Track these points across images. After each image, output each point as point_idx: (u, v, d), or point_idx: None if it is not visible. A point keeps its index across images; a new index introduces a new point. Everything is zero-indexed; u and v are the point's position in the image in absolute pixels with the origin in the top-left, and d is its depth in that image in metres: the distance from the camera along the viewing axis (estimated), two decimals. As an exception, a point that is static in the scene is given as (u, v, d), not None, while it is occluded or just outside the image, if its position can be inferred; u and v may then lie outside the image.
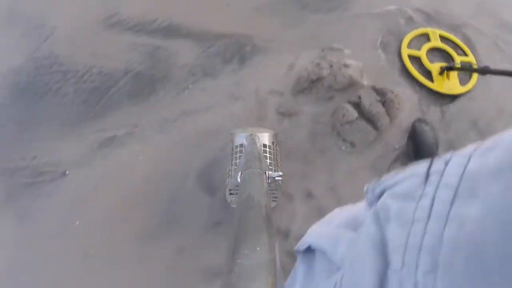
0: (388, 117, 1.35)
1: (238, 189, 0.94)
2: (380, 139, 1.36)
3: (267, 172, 0.80)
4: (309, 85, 1.42)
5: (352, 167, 1.33)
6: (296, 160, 1.32)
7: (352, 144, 1.32)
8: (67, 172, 1.32)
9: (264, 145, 1.15)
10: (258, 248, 0.40)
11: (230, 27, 1.58)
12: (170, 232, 1.23)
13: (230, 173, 1.10)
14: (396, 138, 1.38)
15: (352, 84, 1.41)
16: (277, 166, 1.15)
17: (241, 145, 1.14)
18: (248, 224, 0.48)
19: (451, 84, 1.50)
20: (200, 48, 1.55)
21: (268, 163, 1.09)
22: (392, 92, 1.36)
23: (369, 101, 1.34)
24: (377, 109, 1.33)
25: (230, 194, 1.06)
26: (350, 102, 1.38)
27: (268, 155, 1.12)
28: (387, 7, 1.68)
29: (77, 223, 1.23)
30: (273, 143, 1.19)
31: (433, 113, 1.44)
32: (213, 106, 1.43)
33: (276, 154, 1.18)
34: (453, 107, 1.47)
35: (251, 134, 1.15)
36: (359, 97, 1.35)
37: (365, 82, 1.43)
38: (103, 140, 1.37)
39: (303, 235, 0.56)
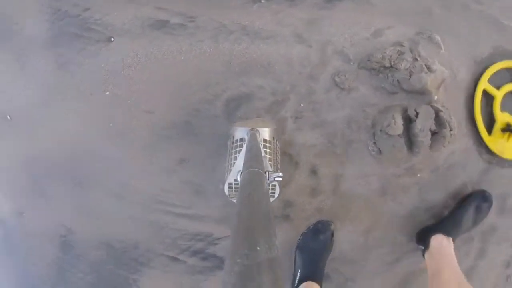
0: (429, 149, 1.27)
1: (236, 184, 1.04)
2: (408, 161, 1.31)
3: (267, 172, 0.83)
4: (379, 68, 1.25)
5: (365, 170, 1.32)
6: (321, 135, 1.30)
7: (379, 151, 1.28)
8: (113, 39, 1.28)
9: (265, 140, 1.14)
10: (258, 248, 0.40)
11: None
12: (181, 139, 1.32)
13: (229, 168, 1.10)
14: (424, 169, 1.34)
15: (422, 93, 1.25)
16: (277, 162, 1.15)
17: (241, 139, 1.14)
18: (248, 224, 0.48)
19: (508, 147, 1.32)
20: None
21: (268, 158, 1.09)
22: (451, 130, 1.23)
23: (423, 126, 1.22)
24: (425, 138, 1.23)
25: (229, 188, 1.07)
26: (403, 113, 1.26)
27: (268, 150, 1.12)
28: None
29: (107, 93, 1.30)
30: (273, 138, 1.19)
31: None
32: (274, 37, 1.27)
33: (276, 150, 1.18)
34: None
35: (251, 129, 1.15)
36: (416, 115, 1.23)
37: (436, 97, 1.27)
38: (156, 21, 1.28)
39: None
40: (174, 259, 1.40)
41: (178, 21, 1.29)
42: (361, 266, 1.40)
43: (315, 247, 1.27)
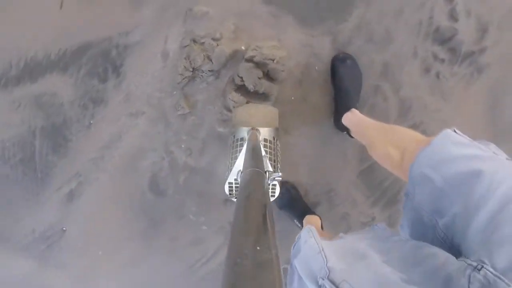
0: (276, 85, 1.32)
1: (237, 184, 1.06)
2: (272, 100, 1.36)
3: (267, 172, 0.82)
4: (192, 74, 1.32)
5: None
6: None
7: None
8: (64, 228, 1.51)
9: (265, 140, 1.14)
10: (258, 248, 0.40)
11: (82, 36, 1.33)
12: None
13: (229, 167, 1.09)
14: (292, 91, 1.38)
15: (232, 57, 1.31)
16: (277, 162, 1.15)
17: (242, 139, 1.14)
18: (248, 224, 0.48)
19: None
20: (71, 76, 1.35)
21: (268, 158, 1.09)
22: (273, 60, 1.28)
23: (252, 82, 1.28)
24: (263, 87, 1.29)
25: (229, 187, 1.08)
26: (235, 88, 1.32)
27: (268, 150, 1.12)
28: None
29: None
30: (274, 138, 1.19)
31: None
32: (122, 131, 1.40)
33: (276, 150, 1.17)
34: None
35: (252, 128, 1.16)
36: (242, 79, 1.28)
37: (243, 46, 1.31)
38: (65, 195, 1.47)
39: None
40: None
41: (75, 183, 1.48)
42: None
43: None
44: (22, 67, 1.34)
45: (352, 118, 1.23)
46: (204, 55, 1.27)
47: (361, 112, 1.27)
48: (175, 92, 1.34)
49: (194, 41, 1.28)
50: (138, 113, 1.37)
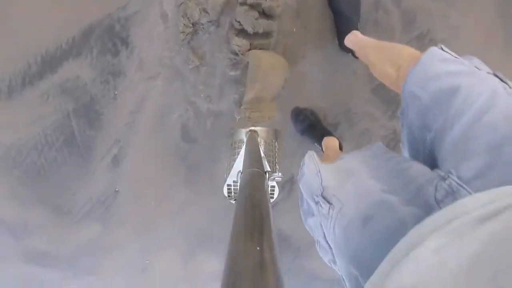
0: (275, 22, 1.41)
1: (236, 186, 1.06)
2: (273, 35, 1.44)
3: (267, 173, 0.83)
4: (193, 29, 1.41)
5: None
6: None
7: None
8: (117, 189, 1.71)
9: (264, 141, 1.15)
10: (258, 248, 0.40)
11: (84, 21, 1.43)
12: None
13: (228, 169, 1.08)
14: (292, 23, 1.46)
15: (227, 4, 1.40)
16: (276, 163, 1.14)
17: (241, 141, 1.15)
18: (248, 224, 0.48)
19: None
20: (86, 58, 1.46)
21: (266, 159, 1.08)
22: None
23: (250, 24, 1.36)
24: (261, 26, 1.37)
25: (228, 189, 1.08)
26: (236, 33, 1.41)
27: (267, 152, 1.13)
28: None
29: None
30: (272, 140, 1.20)
31: None
32: (145, 95, 1.53)
33: (276, 151, 1.18)
34: None
35: (251, 129, 1.17)
36: (240, 23, 1.37)
37: None
38: (110, 161, 1.64)
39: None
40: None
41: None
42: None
43: None
44: (40, 63, 1.45)
45: (353, 39, 1.28)
46: (199, 8, 1.36)
47: (365, 30, 1.32)
48: (182, 49, 1.45)
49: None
50: (154, 76, 1.49)
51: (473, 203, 0.41)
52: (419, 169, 0.62)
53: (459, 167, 0.53)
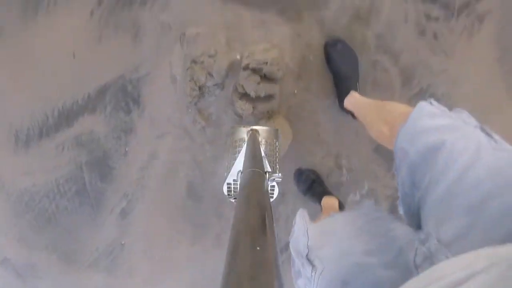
0: (277, 85, 1.42)
1: (235, 185, 1.06)
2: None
3: (267, 173, 0.82)
4: (200, 92, 1.44)
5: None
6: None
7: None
8: (123, 242, 1.73)
9: (265, 141, 1.15)
10: (258, 248, 0.40)
11: (99, 79, 1.48)
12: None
13: (228, 167, 1.07)
14: (293, 85, 1.47)
15: (231, 68, 1.42)
16: (276, 163, 1.13)
17: (241, 140, 1.14)
18: (248, 224, 0.47)
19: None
20: (100, 114, 1.52)
21: (267, 159, 1.07)
22: (266, 63, 1.37)
23: (253, 88, 1.38)
24: (263, 90, 1.39)
25: (228, 188, 1.07)
26: (239, 97, 1.42)
27: (268, 151, 1.13)
28: None
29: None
30: (273, 139, 1.19)
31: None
32: (154, 152, 1.58)
33: (276, 151, 1.17)
34: None
35: (251, 129, 1.17)
36: (243, 87, 1.39)
37: (238, 55, 1.42)
38: (118, 214, 1.68)
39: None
40: None
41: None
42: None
43: None
44: (57, 116, 1.52)
45: (352, 101, 1.29)
46: (205, 72, 1.39)
47: (364, 89, 1.33)
48: (190, 110, 1.48)
49: (194, 61, 1.40)
50: (164, 134, 1.53)
51: (449, 268, 0.39)
52: (402, 230, 0.61)
53: (440, 229, 0.51)
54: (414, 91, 1.47)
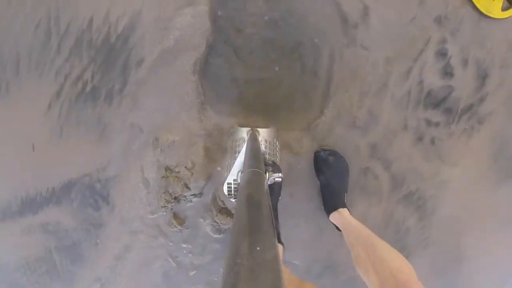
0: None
1: (236, 184, 1.05)
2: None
3: (267, 173, 0.83)
4: (175, 199, 1.34)
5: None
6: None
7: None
8: None
9: (265, 140, 1.14)
10: (258, 248, 0.40)
11: (63, 174, 1.35)
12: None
13: (229, 167, 1.07)
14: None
15: (210, 179, 1.32)
16: (276, 163, 1.11)
17: (241, 139, 1.14)
18: (248, 224, 0.48)
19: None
20: (66, 208, 1.38)
21: (267, 159, 1.07)
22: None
23: (233, 206, 1.28)
24: None
25: (228, 188, 1.07)
26: (219, 210, 1.34)
27: (268, 151, 1.12)
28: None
29: None
30: (273, 139, 1.18)
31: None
32: (127, 246, 1.45)
33: (276, 151, 1.16)
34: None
35: (252, 129, 1.15)
36: (223, 202, 1.32)
37: (219, 167, 1.31)
38: None
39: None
40: None
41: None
42: None
43: None
44: (20, 204, 1.39)
45: (339, 218, 1.20)
46: (182, 184, 1.28)
47: (352, 194, 1.27)
48: (165, 213, 1.37)
49: (169, 170, 1.27)
50: (137, 231, 1.42)
51: None
52: None
53: None
54: (401, 194, 1.40)
